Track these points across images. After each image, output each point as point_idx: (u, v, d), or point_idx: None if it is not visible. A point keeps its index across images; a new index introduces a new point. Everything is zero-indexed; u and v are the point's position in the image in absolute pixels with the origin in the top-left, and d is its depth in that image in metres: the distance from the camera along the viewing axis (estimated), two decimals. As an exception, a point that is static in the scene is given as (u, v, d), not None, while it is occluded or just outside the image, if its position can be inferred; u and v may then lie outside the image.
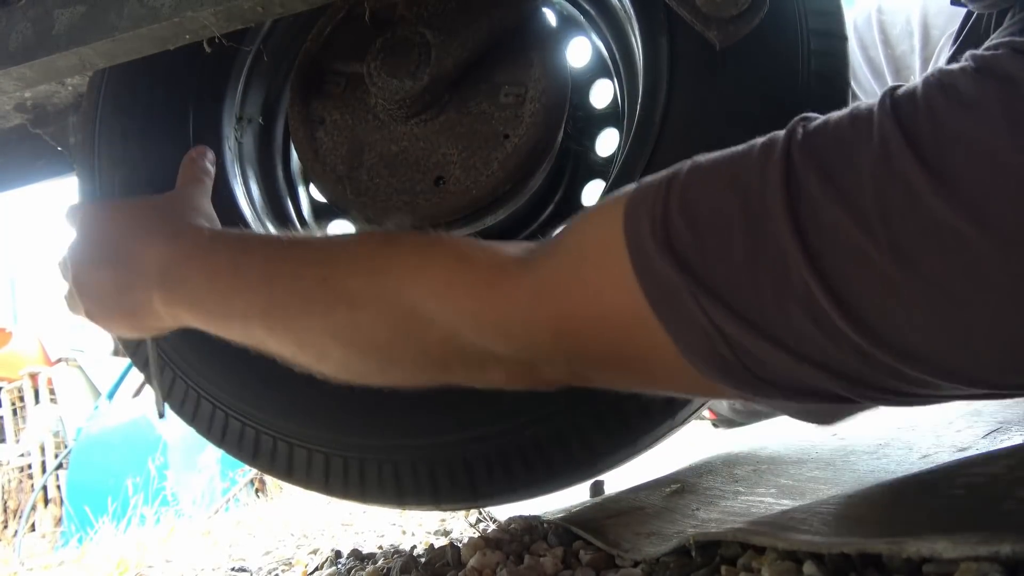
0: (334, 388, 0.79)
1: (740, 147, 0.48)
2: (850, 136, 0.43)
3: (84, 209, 0.71)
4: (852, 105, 0.46)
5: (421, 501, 0.77)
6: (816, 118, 0.46)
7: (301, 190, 1.06)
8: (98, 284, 0.67)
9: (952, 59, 0.74)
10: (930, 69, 0.46)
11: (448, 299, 0.54)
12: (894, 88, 0.44)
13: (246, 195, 0.94)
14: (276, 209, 0.98)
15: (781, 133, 0.46)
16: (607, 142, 1.04)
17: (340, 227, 1.08)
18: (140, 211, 0.70)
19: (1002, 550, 0.29)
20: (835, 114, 0.45)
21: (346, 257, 0.59)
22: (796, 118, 0.47)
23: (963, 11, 0.80)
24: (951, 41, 1.14)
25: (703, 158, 0.49)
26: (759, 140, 0.47)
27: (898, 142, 0.41)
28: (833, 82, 0.71)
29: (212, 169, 0.84)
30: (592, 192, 1.04)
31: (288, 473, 0.82)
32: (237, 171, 0.93)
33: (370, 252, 0.58)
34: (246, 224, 0.90)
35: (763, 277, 0.43)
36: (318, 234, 0.63)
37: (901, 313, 0.40)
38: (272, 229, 0.95)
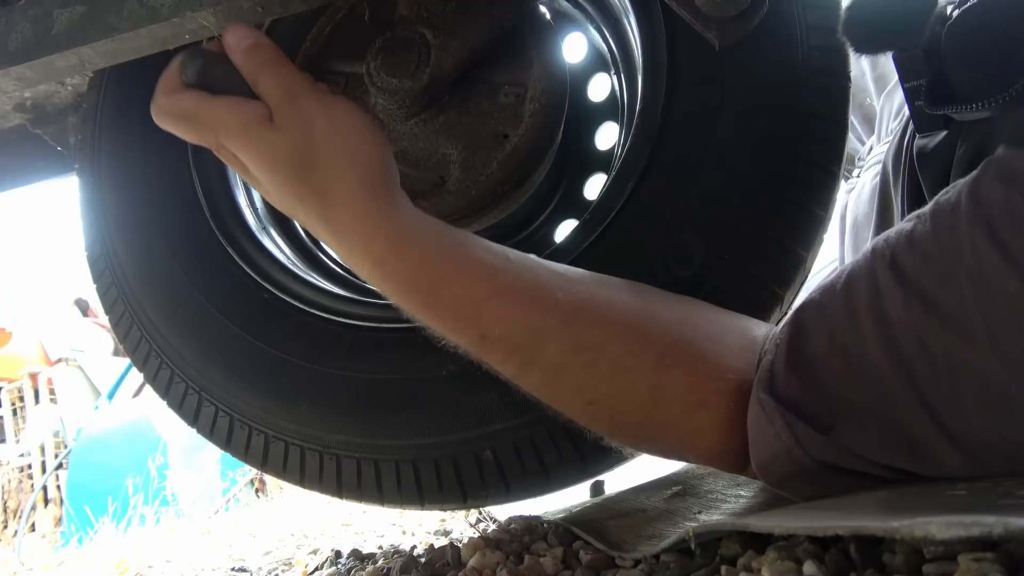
0: (343, 392, 0.79)
1: (832, 286, 0.52)
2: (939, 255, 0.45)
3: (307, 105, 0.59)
4: (930, 208, 0.48)
5: (445, 500, 0.77)
6: (898, 231, 0.49)
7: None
8: (292, 202, 0.60)
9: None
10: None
11: (717, 447, 0.56)
12: (974, 188, 0.45)
13: (248, 202, 0.94)
14: (278, 215, 0.98)
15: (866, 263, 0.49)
16: (606, 136, 1.04)
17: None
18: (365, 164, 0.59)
19: (995, 530, 0.29)
20: (918, 229, 0.47)
21: (618, 376, 0.56)
22: (877, 245, 0.50)
23: None
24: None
25: (806, 308, 0.53)
26: (845, 278, 0.51)
27: (994, 262, 0.42)
28: (833, 78, 0.71)
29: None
30: (593, 187, 1.04)
31: (301, 477, 0.82)
32: (239, 176, 0.93)
33: (648, 383, 0.55)
34: (249, 231, 0.90)
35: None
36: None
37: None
38: (275, 236, 0.95)
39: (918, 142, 0.88)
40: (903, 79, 0.77)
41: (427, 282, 0.58)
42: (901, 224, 0.50)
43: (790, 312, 0.55)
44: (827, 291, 0.52)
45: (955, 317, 0.43)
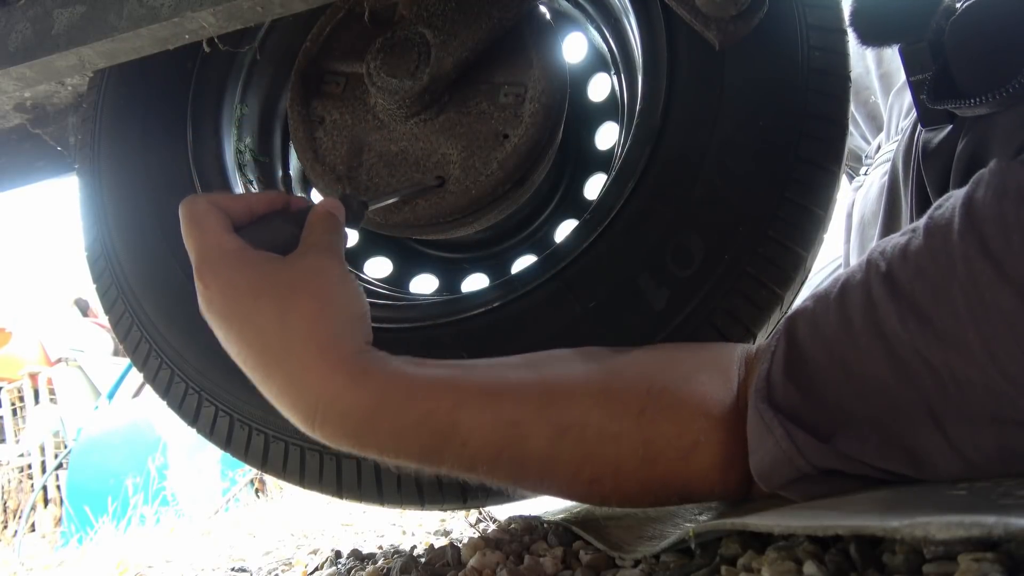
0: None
1: (826, 296, 0.52)
2: (932, 270, 0.45)
3: (230, 261, 0.57)
4: (924, 222, 0.48)
5: (445, 500, 0.77)
6: (893, 245, 0.49)
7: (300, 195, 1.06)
8: (248, 359, 0.58)
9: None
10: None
11: (717, 485, 0.56)
12: (967, 201, 0.45)
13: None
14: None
15: (860, 278, 0.49)
16: (606, 136, 1.04)
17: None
18: (306, 308, 0.55)
19: (994, 530, 0.29)
20: (912, 242, 0.47)
21: (608, 450, 0.55)
22: (873, 249, 0.50)
23: None
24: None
25: (799, 318, 0.53)
26: (839, 288, 0.51)
27: (987, 276, 0.42)
28: (833, 78, 0.71)
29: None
30: (593, 187, 1.04)
31: (301, 477, 0.82)
32: (238, 177, 0.93)
33: (634, 446, 0.54)
34: None
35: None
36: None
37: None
38: None
39: (924, 136, 0.87)
40: (909, 72, 0.77)
41: (393, 408, 0.54)
42: (896, 237, 0.50)
43: (782, 322, 0.55)
44: (821, 301, 0.52)
45: (951, 333, 0.43)
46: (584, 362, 0.61)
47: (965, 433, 0.43)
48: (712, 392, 0.56)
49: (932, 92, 0.74)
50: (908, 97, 1.18)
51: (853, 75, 0.72)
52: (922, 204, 0.94)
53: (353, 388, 0.54)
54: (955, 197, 0.47)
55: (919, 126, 0.91)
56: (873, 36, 0.70)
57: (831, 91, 0.71)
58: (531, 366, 0.60)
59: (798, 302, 0.57)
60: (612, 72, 1.00)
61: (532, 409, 0.55)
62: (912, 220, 0.88)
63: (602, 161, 1.04)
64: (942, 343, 0.43)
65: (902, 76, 1.25)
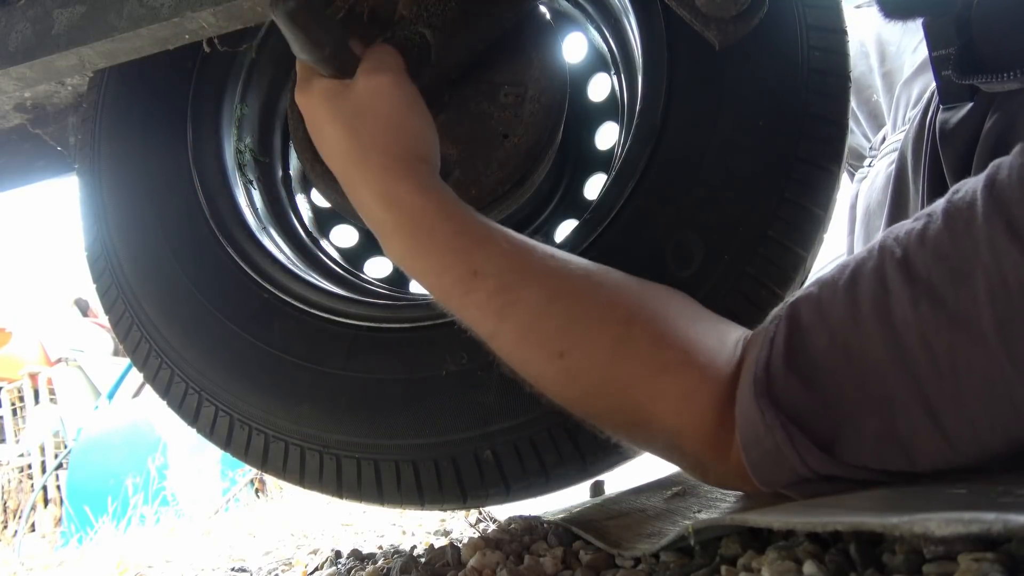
0: (343, 392, 0.78)
1: (833, 282, 0.51)
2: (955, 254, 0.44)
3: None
4: (943, 207, 0.47)
5: (445, 500, 0.77)
6: (908, 231, 0.48)
7: (301, 197, 1.06)
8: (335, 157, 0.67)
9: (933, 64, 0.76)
10: (904, 76, 0.47)
11: (677, 419, 0.56)
12: (990, 184, 0.45)
13: (248, 202, 0.94)
14: (278, 214, 0.98)
15: (872, 265, 0.49)
16: (606, 136, 1.04)
17: (342, 232, 1.08)
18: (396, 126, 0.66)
19: (994, 527, 0.29)
20: (930, 227, 0.47)
21: (585, 332, 0.58)
22: (885, 235, 0.49)
23: (918, 24, 0.82)
24: (914, 51, 1.15)
25: (803, 304, 0.52)
26: (848, 274, 0.50)
27: (1013, 258, 0.41)
28: (833, 78, 0.71)
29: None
30: (593, 187, 1.04)
31: (301, 477, 0.82)
32: (238, 177, 0.93)
33: (614, 334, 0.58)
34: (249, 232, 0.90)
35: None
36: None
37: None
38: (275, 236, 0.95)
39: (941, 116, 0.86)
40: (932, 47, 0.76)
41: (434, 216, 0.62)
42: (909, 223, 0.49)
43: (783, 308, 0.54)
44: (828, 287, 0.51)
45: (965, 315, 0.42)
46: (611, 271, 0.64)
47: (961, 424, 0.43)
48: (703, 340, 0.58)
49: (958, 67, 0.73)
50: (917, 87, 1.18)
51: (855, 74, 0.72)
52: (936, 189, 0.93)
53: (410, 184, 0.63)
54: (974, 181, 0.46)
55: (931, 112, 0.90)
56: (898, 9, 0.70)
57: (831, 91, 0.71)
58: (562, 253, 0.65)
59: (797, 290, 0.57)
60: (612, 72, 1.00)
61: (542, 269, 0.61)
62: (923, 207, 0.87)
63: (602, 161, 1.04)
64: (952, 325, 0.43)
65: (903, 74, 1.25)
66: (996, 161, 0.46)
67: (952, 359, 0.43)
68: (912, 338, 0.44)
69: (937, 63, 0.77)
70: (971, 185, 0.46)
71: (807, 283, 0.56)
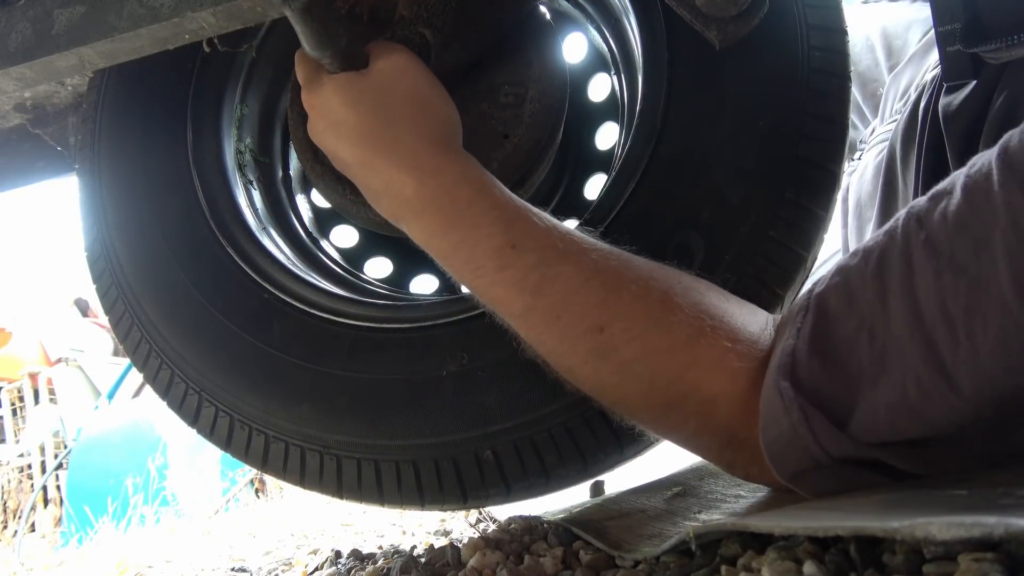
0: (343, 392, 0.78)
1: (860, 270, 0.51)
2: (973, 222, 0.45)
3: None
4: (961, 181, 0.47)
5: (445, 500, 0.77)
6: (927, 210, 0.48)
7: (301, 197, 1.06)
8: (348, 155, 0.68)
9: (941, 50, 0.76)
10: (907, 71, 0.47)
11: (711, 386, 0.56)
12: (1002, 154, 0.45)
13: (248, 202, 0.94)
14: (278, 215, 0.98)
15: (895, 241, 0.49)
16: (606, 136, 1.04)
17: (342, 233, 1.08)
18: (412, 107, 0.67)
19: (995, 530, 0.29)
20: (951, 203, 0.47)
21: (624, 305, 0.59)
22: (906, 217, 0.49)
23: (923, 17, 0.82)
24: (921, 42, 1.15)
25: (831, 293, 0.52)
26: (875, 261, 0.50)
27: None
28: (833, 78, 0.71)
29: None
30: (593, 187, 1.04)
31: (301, 478, 0.81)
32: (239, 177, 0.93)
33: (651, 305, 0.58)
34: (249, 232, 0.90)
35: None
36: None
37: None
38: (275, 236, 0.95)
39: (943, 100, 0.86)
40: (938, 22, 0.76)
41: (471, 187, 0.63)
42: (926, 201, 0.49)
43: (809, 298, 0.54)
44: (856, 274, 0.51)
45: (984, 275, 0.42)
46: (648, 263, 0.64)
47: (974, 381, 0.43)
48: (739, 315, 0.58)
49: (964, 38, 0.73)
50: (904, 80, 1.18)
51: (860, 68, 0.72)
52: (936, 175, 0.93)
53: (447, 159, 0.65)
54: (988, 153, 0.46)
55: (925, 100, 0.90)
56: None
57: (831, 91, 0.71)
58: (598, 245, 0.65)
59: (818, 280, 0.56)
60: (612, 72, 1.00)
61: (580, 247, 0.61)
62: (915, 196, 0.87)
63: (602, 161, 1.04)
64: (971, 289, 0.43)
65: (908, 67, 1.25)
66: (1006, 135, 0.46)
67: (969, 320, 0.43)
68: (932, 307, 0.45)
69: (943, 38, 0.76)
70: (986, 157, 0.47)
71: (823, 275, 0.55)
